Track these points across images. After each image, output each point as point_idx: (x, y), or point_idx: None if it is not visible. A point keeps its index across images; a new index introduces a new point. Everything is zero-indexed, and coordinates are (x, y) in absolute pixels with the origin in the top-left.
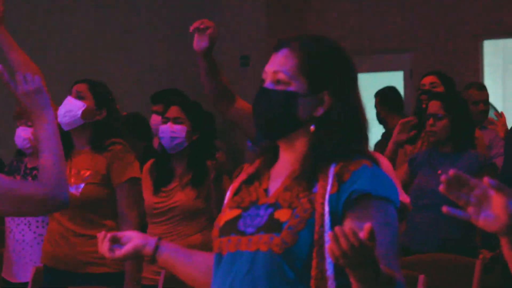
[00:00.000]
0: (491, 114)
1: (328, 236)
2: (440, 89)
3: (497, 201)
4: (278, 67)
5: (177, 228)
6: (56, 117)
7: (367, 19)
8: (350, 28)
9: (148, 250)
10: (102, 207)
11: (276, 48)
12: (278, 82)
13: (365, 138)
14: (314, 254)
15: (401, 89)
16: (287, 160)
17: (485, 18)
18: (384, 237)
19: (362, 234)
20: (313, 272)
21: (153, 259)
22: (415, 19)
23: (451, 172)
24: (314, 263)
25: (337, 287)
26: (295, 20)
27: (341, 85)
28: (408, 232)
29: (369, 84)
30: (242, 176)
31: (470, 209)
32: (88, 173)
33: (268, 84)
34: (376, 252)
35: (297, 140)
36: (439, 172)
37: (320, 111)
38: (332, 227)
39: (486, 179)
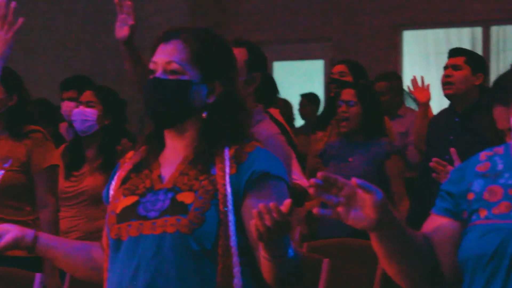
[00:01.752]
0: (411, 104)
1: (253, 213)
2: (349, 78)
3: (365, 200)
4: (171, 57)
5: (86, 211)
6: None
7: (288, 7)
8: (271, 15)
9: (27, 240)
10: (21, 194)
11: (165, 39)
12: (171, 72)
13: (249, 122)
14: (220, 233)
15: (321, 78)
16: (177, 146)
17: (405, 9)
18: None
19: (283, 209)
20: (219, 250)
21: (31, 249)
22: (336, 8)
23: (319, 174)
24: (220, 241)
25: (241, 263)
26: (216, 6)
27: (229, 74)
28: (320, 219)
29: (291, 72)
30: (128, 165)
31: (340, 209)
32: (7, 160)
33: (159, 74)
34: None
35: (188, 127)
36: (350, 159)
37: (212, 99)
38: (234, 206)
39: (354, 180)
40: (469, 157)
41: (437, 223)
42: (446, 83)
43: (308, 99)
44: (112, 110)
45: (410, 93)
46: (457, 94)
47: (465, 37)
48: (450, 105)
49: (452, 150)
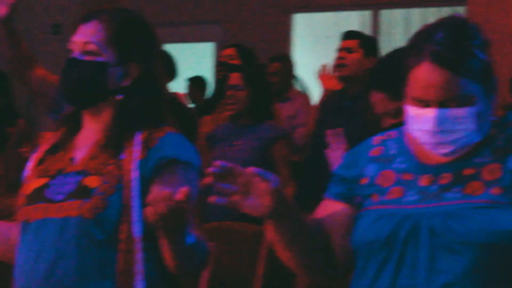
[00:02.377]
0: (300, 87)
1: (146, 200)
2: (237, 61)
3: (261, 188)
4: (88, 38)
5: None
6: None
7: None
8: None
9: None
10: None
11: (85, 20)
12: (87, 52)
13: (167, 106)
14: (124, 218)
15: (211, 61)
16: (92, 129)
17: None
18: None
19: (179, 196)
20: (122, 235)
21: None
22: None
23: (217, 163)
24: (123, 226)
25: (145, 249)
26: None
27: (147, 57)
28: (205, 203)
29: (181, 55)
30: (45, 146)
31: (236, 197)
32: None
33: (77, 54)
34: None
35: (104, 109)
36: (236, 143)
37: (127, 82)
38: (141, 192)
39: (250, 169)
40: (357, 140)
41: (330, 208)
42: (339, 65)
43: (194, 83)
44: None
45: (300, 77)
46: (350, 77)
47: (354, 20)
48: (341, 88)
49: (339, 129)
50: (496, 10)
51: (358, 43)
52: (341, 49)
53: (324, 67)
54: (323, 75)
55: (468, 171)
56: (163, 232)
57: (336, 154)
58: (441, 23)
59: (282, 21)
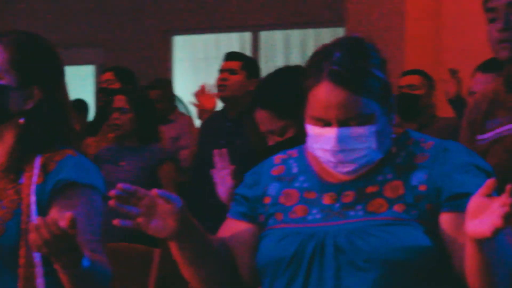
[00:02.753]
0: (182, 109)
1: (29, 227)
2: (117, 85)
3: (165, 209)
4: None
5: None
6: None
7: (60, 12)
8: (39, 20)
9: None
10: None
11: None
12: None
13: (71, 130)
14: (22, 243)
15: (92, 84)
16: None
17: (175, 14)
18: (89, 224)
19: (63, 223)
20: (21, 261)
21: None
22: (107, 13)
23: (119, 185)
24: (21, 252)
25: (44, 273)
26: None
27: (49, 79)
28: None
29: None
30: None
31: (140, 219)
32: None
33: None
34: (81, 239)
35: (6, 133)
36: (122, 164)
37: (29, 105)
38: (40, 216)
39: (154, 190)
40: (239, 162)
41: (233, 227)
42: (221, 86)
43: (75, 106)
44: None
45: (181, 98)
46: (231, 98)
47: (234, 42)
48: (222, 109)
49: (223, 150)
50: (373, 31)
51: (241, 65)
52: (223, 70)
53: (202, 87)
54: (201, 95)
55: (370, 189)
56: (53, 257)
57: (221, 174)
58: (339, 43)
59: (163, 43)
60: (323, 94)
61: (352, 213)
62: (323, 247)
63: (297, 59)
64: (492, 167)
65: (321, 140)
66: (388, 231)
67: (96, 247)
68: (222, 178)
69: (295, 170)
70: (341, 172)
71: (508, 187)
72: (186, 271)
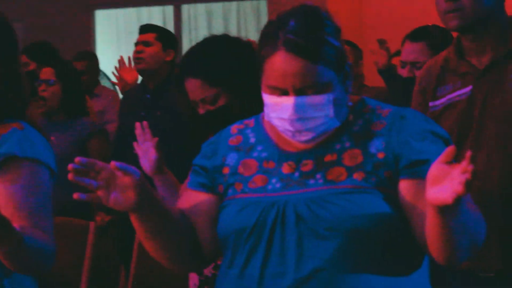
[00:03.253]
0: (107, 83)
1: None
2: (32, 66)
3: (124, 182)
4: None
5: None
6: None
7: None
8: None
9: None
10: None
11: None
12: None
13: (24, 103)
14: None
15: None
16: None
17: None
18: (31, 198)
19: None
20: None
21: None
22: None
23: (77, 159)
24: None
25: None
26: None
27: (5, 55)
28: None
29: None
30: None
31: (100, 192)
32: None
33: None
34: (22, 213)
35: None
36: (52, 138)
37: None
38: None
39: (113, 163)
40: (159, 133)
41: (193, 198)
42: (137, 59)
43: None
44: None
45: (105, 72)
46: (148, 70)
47: (156, 16)
48: (142, 82)
49: (145, 123)
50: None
51: (155, 36)
52: (138, 43)
53: (120, 61)
54: (122, 69)
55: (329, 157)
56: None
57: (144, 147)
58: (293, 12)
59: (84, 17)
60: (279, 63)
61: (311, 181)
62: (284, 216)
63: (219, 33)
64: None
65: (279, 109)
66: (348, 199)
67: (38, 222)
68: (145, 151)
69: (252, 140)
70: (299, 140)
71: (467, 153)
72: (148, 244)
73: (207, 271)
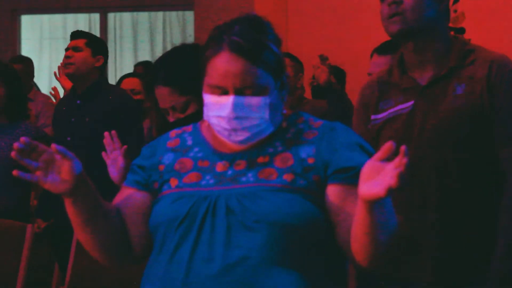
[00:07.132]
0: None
1: None
2: None
3: (63, 165)
4: None
5: None
6: None
7: None
8: None
9: None
10: None
11: None
12: None
13: None
14: None
15: None
16: None
17: None
18: None
19: None
20: None
21: None
22: None
23: (22, 139)
24: None
25: None
26: None
27: None
28: None
29: None
30: None
31: (39, 173)
32: None
33: None
34: None
35: None
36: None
37: None
38: None
39: (53, 146)
40: (88, 138)
41: (127, 195)
42: (67, 64)
43: None
44: None
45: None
46: (77, 75)
47: (82, 23)
48: (72, 88)
49: (113, 132)
50: (220, 14)
51: (85, 42)
52: (68, 48)
53: (59, 68)
54: (60, 76)
55: (261, 159)
56: None
57: (113, 156)
58: (238, 19)
59: (10, 22)
60: (222, 63)
61: (243, 179)
62: (215, 208)
63: (144, 42)
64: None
65: (217, 108)
66: (278, 196)
67: None
68: (114, 160)
69: (189, 142)
70: (234, 140)
71: (402, 147)
72: (80, 234)
73: None
